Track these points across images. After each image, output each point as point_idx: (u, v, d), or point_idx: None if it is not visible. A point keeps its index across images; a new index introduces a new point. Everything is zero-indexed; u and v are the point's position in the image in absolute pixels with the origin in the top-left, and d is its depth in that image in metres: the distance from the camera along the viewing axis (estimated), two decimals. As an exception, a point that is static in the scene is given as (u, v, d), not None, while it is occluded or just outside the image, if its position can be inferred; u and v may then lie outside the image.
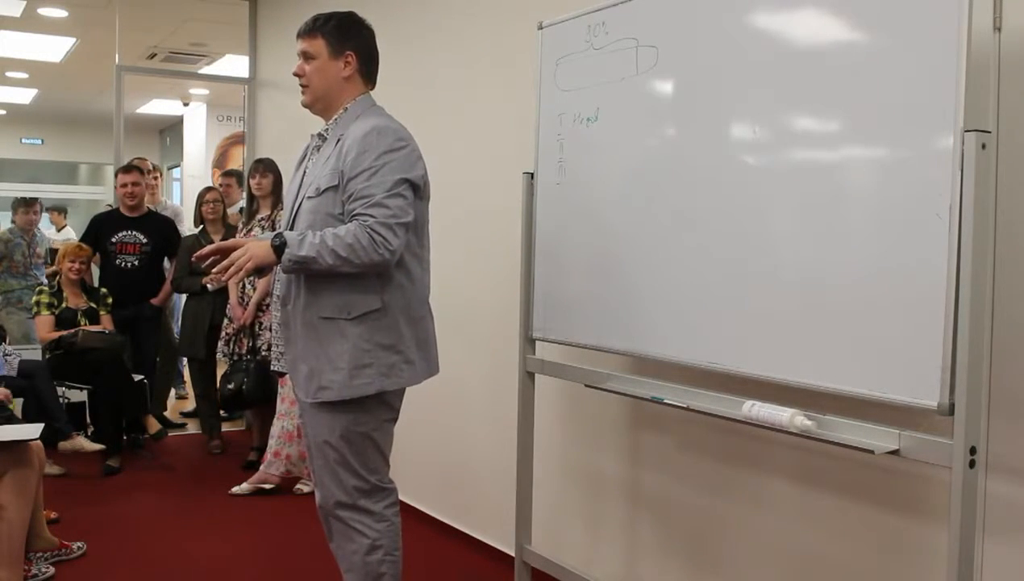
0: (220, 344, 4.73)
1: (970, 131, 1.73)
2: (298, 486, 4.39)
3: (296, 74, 2.49)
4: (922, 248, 1.82)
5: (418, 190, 2.40)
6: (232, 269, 2.27)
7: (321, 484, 2.50)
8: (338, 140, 2.41)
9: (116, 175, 5.30)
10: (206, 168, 9.79)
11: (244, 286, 4.66)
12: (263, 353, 4.50)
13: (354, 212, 2.31)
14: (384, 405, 2.46)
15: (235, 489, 4.38)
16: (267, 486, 4.38)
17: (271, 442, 4.43)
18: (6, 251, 6.12)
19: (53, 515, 3.85)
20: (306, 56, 2.46)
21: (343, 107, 2.47)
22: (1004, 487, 1.95)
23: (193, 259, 2.54)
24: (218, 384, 4.81)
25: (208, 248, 2.40)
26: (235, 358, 4.65)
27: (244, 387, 4.54)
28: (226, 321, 4.73)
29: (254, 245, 2.32)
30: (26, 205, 6.28)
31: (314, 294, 2.38)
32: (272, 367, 2.69)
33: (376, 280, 2.36)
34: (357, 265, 2.28)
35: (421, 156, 2.44)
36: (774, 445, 2.44)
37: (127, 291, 5.12)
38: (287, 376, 3.94)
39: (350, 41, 2.46)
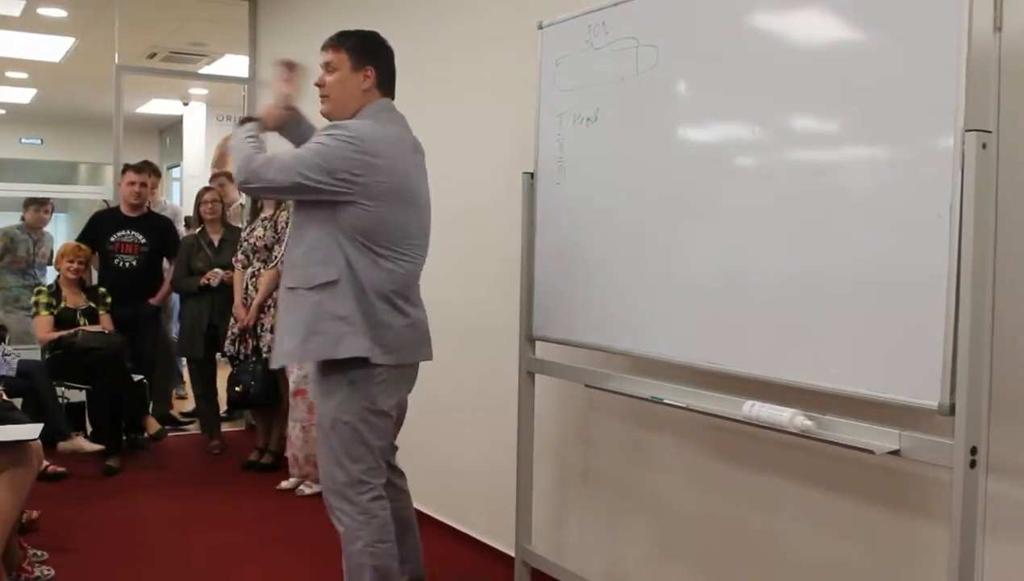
0: (226, 344, 4.74)
1: (971, 131, 1.73)
2: (300, 487, 4.39)
3: (317, 84, 2.62)
4: (923, 248, 1.82)
5: (348, 183, 2.45)
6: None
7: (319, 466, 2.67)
8: None
9: (124, 172, 5.29)
10: (206, 168, 9.78)
11: (248, 287, 4.66)
12: (265, 354, 4.51)
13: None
14: (368, 398, 2.53)
15: (294, 487, 4.42)
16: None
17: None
18: (10, 245, 6.13)
19: (35, 514, 3.75)
20: (328, 68, 2.60)
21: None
22: (1005, 487, 1.94)
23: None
24: (226, 385, 4.82)
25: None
26: (240, 359, 4.65)
27: (251, 390, 4.55)
28: (232, 320, 4.74)
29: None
30: (37, 204, 6.29)
31: (287, 268, 2.62)
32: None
33: (338, 255, 2.49)
34: (238, 162, 2.53)
35: (376, 162, 2.46)
36: (774, 445, 2.44)
37: (126, 291, 5.11)
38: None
39: (371, 56, 2.60)
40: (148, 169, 5.39)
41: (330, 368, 2.54)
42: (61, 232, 10.11)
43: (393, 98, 2.68)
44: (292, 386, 4.42)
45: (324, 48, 2.63)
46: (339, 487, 2.55)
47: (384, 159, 2.49)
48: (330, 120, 2.60)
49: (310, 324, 2.50)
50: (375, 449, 2.57)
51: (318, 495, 2.68)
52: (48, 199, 6.45)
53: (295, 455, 4.43)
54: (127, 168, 5.30)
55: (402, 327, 2.56)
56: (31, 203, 6.29)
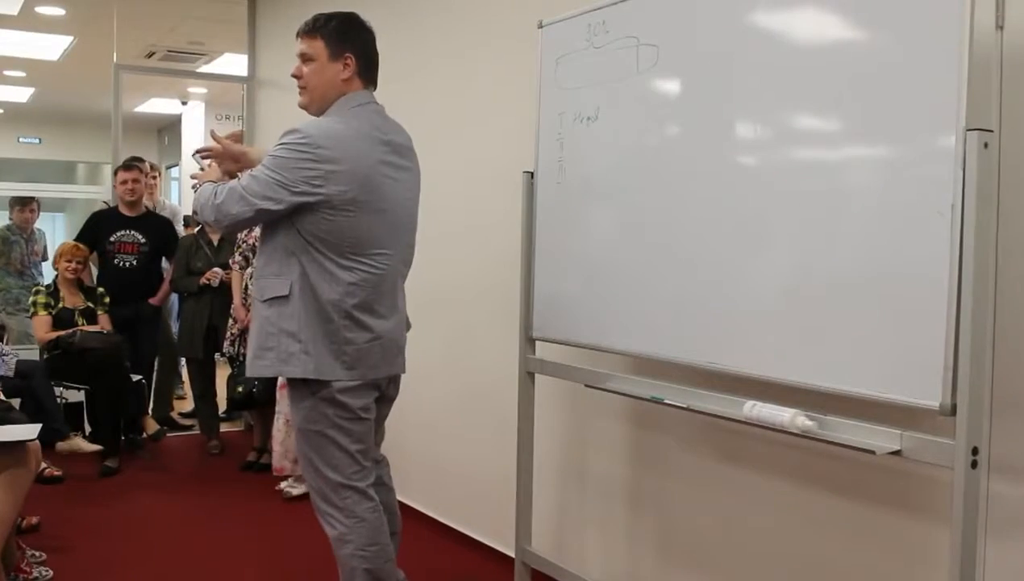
0: (226, 344, 4.73)
1: (972, 130, 1.72)
2: (286, 488, 4.36)
3: (294, 75, 2.50)
4: (924, 247, 1.81)
5: (309, 195, 2.33)
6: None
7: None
8: None
9: (115, 173, 5.30)
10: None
11: (247, 287, 4.65)
12: None
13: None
14: (335, 404, 2.43)
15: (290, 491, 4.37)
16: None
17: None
18: (2, 248, 6.12)
19: (35, 520, 3.74)
20: (305, 57, 2.47)
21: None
22: (1006, 487, 1.94)
23: (192, 154, 2.68)
24: (226, 385, 4.80)
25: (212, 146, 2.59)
26: (240, 360, 4.64)
27: (255, 390, 4.53)
28: (230, 321, 4.73)
29: (228, 160, 2.59)
30: (22, 204, 6.27)
31: (254, 276, 2.58)
32: None
33: (295, 268, 2.39)
34: (201, 204, 2.46)
35: (335, 170, 2.34)
36: (775, 445, 2.43)
37: (126, 291, 5.12)
38: None
39: (350, 43, 2.46)
40: (136, 165, 5.35)
41: (293, 379, 2.44)
42: (60, 231, 10.11)
43: (375, 86, 2.54)
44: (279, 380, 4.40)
45: (299, 36, 2.47)
46: (322, 493, 2.48)
47: (344, 164, 2.35)
48: (308, 112, 2.50)
49: (261, 339, 2.42)
50: (353, 453, 2.47)
51: (307, 496, 2.65)
52: (33, 198, 6.43)
53: (275, 448, 4.40)
54: (116, 170, 5.30)
55: (364, 343, 2.42)
56: (15, 203, 6.27)
